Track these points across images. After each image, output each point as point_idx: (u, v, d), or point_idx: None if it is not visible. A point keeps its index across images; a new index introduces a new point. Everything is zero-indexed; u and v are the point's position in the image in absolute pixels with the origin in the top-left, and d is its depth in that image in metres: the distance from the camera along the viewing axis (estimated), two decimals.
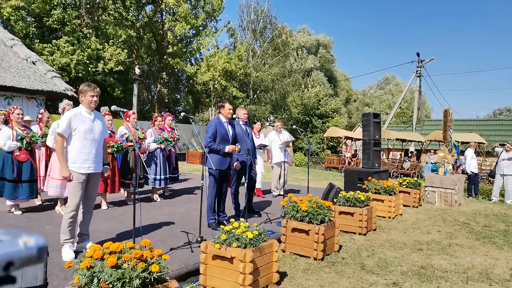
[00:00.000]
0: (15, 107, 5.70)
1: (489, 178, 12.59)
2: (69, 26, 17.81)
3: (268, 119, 24.12)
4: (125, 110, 4.27)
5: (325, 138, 24.39)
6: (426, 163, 16.15)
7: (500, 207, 8.99)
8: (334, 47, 43.41)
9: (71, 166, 3.81)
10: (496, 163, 10.36)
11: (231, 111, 5.36)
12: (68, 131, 3.80)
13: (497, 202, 9.90)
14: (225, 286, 3.28)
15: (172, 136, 7.47)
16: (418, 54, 25.93)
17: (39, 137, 5.83)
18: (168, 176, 7.31)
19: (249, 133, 6.23)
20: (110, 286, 2.30)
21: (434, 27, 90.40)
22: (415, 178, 8.86)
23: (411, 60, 26.50)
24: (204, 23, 21.79)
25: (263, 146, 8.10)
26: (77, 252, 3.91)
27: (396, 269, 4.16)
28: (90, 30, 18.47)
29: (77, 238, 4.06)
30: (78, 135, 3.82)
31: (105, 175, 4.28)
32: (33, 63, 12.44)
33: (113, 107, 4.00)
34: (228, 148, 5.17)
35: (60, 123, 3.85)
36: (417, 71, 26.07)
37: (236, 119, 6.15)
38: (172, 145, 7.47)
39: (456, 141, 13.75)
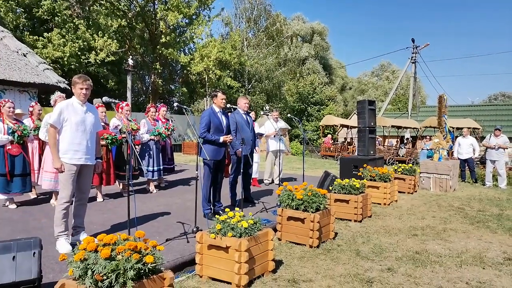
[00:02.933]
0: (6, 100, 5.62)
1: (479, 164, 12.68)
2: (59, 17, 17.54)
3: (264, 108, 24.08)
4: (116, 101, 4.22)
5: (320, 126, 24.41)
6: (422, 149, 16.22)
7: (494, 192, 9.07)
8: (329, 34, 43.10)
9: (62, 157, 3.81)
10: (486, 149, 10.45)
11: (224, 100, 5.32)
12: (59, 122, 3.79)
13: (491, 187, 10.00)
14: (221, 275, 3.29)
15: (167, 126, 7.43)
16: (413, 40, 25.86)
17: (31, 130, 5.77)
18: (162, 167, 7.28)
19: (249, 122, 6.21)
20: (104, 278, 2.30)
21: (429, 13, 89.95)
22: (410, 165, 8.90)
23: (406, 46, 26.44)
24: (197, 11, 21.53)
25: (259, 135, 8.09)
26: (73, 245, 3.91)
27: (391, 255, 4.19)
28: (81, 21, 18.21)
29: (72, 230, 4.05)
30: (69, 126, 3.82)
31: (97, 170, 4.27)
32: (24, 55, 12.25)
33: (105, 98, 3.95)
34: (222, 139, 5.15)
35: (52, 114, 3.87)
36: (412, 57, 26.01)
37: (238, 108, 6.13)
38: (165, 138, 7.43)
39: (451, 127, 13.82)
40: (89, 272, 2.32)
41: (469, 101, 45.39)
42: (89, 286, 2.29)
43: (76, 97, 3.91)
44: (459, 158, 10.85)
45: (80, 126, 3.87)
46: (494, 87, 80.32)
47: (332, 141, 23.36)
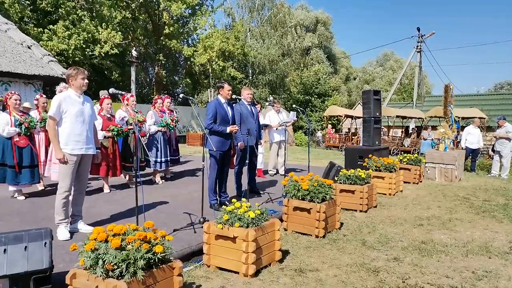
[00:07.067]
0: (12, 92, 5.66)
1: (489, 154, 12.60)
2: (63, 8, 17.48)
3: (268, 99, 23.99)
4: (123, 92, 4.24)
5: (325, 117, 24.31)
6: (424, 139, 16.13)
7: (500, 182, 9.05)
8: (333, 23, 42.62)
9: (64, 148, 3.90)
10: (496, 138, 10.41)
11: (231, 91, 5.32)
12: (59, 114, 3.88)
13: (496, 177, 9.97)
14: (228, 265, 3.33)
15: (171, 118, 7.44)
16: (418, 29, 25.52)
17: (37, 122, 5.81)
18: (169, 158, 7.32)
19: (254, 113, 6.21)
20: (115, 267, 2.34)
21: (434, 1, 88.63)
22: (415, 155, 8.88)
23: (411, 35, 26.11)
24: (200, 1, 21.38)
25: (264, 126, 8.10)
26: (71, 233, 3.98)
27: (397, 245, 4.21)
28: (85, 12, 18.13)
29: (70, 218, 4.14)
30: (69, 117, 3.92)
31: (97, 160, 4.40)
32: (29, 48, 12.27)
33: (111, 90, 3.99)
34: (229, 129, 5.17)
35: (51, 107, 3.93)
36: (417, 46, 25.72)
37: (242, 99, 6.13)
38: (173, 129, 7.45)
39: (456, 116, 13.72)
40: (100, 262, 2.36)
41: (474, 90, 44.94)
42: (100, 275, 2.34)
43: (77, 88, 3.99)
44: (467, 147, 10.74)
45: (79, 117, 3.97)
46: (500, 76, 79.48)
47: (334, 131, 23.31)
